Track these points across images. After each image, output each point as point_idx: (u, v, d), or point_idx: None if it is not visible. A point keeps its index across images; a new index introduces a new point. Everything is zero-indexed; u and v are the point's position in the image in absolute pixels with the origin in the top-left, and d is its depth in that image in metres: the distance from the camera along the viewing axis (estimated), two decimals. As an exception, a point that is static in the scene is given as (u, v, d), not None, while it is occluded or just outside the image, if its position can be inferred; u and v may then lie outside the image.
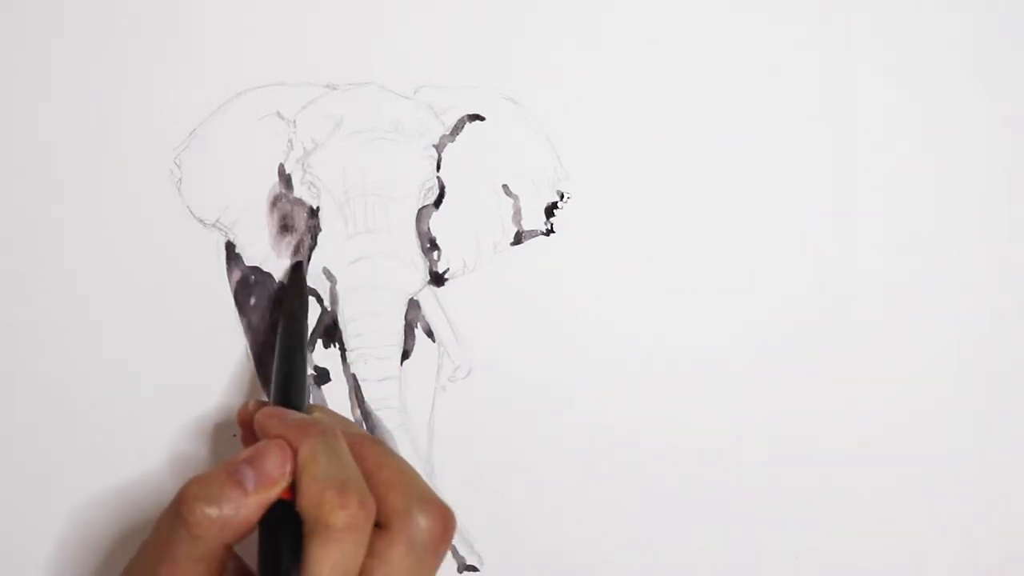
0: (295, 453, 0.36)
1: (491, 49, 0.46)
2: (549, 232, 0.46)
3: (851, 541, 0.46)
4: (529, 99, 0.46)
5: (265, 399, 0.42)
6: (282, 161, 0.45)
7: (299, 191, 0.45)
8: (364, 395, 0.44)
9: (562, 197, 0.46)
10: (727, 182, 0.46)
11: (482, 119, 0.46)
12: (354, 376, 0.45)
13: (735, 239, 0.46)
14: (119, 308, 0.44)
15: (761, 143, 0.46)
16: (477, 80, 0.46)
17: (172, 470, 0.44)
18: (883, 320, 0.46)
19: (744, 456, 0.46)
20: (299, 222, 0.45)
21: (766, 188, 0.46)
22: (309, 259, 0.45)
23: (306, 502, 0.34)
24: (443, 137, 0.46)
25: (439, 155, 0.45)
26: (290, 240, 0.45)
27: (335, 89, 0.45)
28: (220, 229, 0.45)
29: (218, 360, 0.44)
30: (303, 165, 0.45)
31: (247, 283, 0.45)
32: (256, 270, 0.45)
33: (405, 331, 0.45)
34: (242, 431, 0.40)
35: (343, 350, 0.45)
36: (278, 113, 0.45)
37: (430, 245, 0.45)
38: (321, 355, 0.45)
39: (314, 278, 0.45)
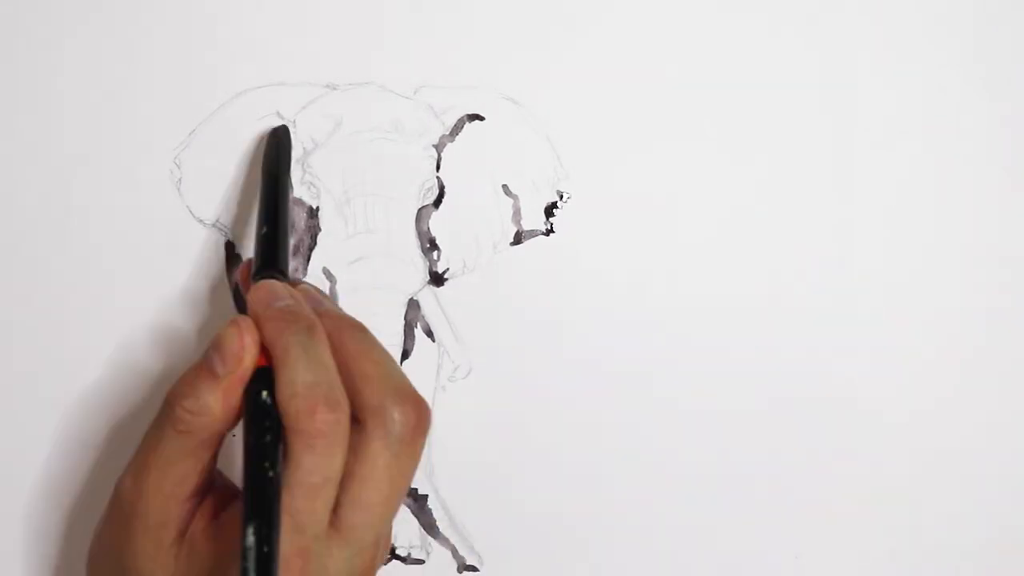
0: (271, 344, 0.36)
1: (491, 49, 0.46)
2: (549, 232, 0.46)
3: (851, 541, 0.46)
4: (529, 99, 0.46)
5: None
6: (282, 161, 0.45)
7: (299, 191, 0.45)
8: (364, 395, 0.44)
9: (562, 197, 0.46)
10: (727, 182, 0.46)
11: (482, 119, 0.46)
12: (354, 376, 0.44)
13: (735, 239, 0.46)
14: (119, 308, 0.44)
15: (761, 143, 0.46)
16: (477, 80, 0.46)
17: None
18: (884, 320, 0.46)
19: (744, 456, 0.46)
20: (299, 222, 0.45)
21: (766, 188, 0.46)
22: (309, 259, 0.45)
23: (280, 406, 0.35)
24: (443, 137, 0.46)
25: (439, 155, 0.45)
26: (290, 240, 0.44)
27: (335, 89, 0.45)
28: (220, 229, 0.45)
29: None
30: (303, 165, 0.45)
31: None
32: (256, 270, 0.45)
33: (405, 331, 0.45)
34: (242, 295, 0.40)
35: (343, 350, 0.45)
36: (278, 113, 0.45)
37: (430, 245, 0.45)
38: (321, 355, 0.45)
39: (314, 278, 0.45)
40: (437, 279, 0.45)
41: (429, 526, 0.45)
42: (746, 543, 0.46)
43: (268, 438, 0.34)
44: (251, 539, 0.32)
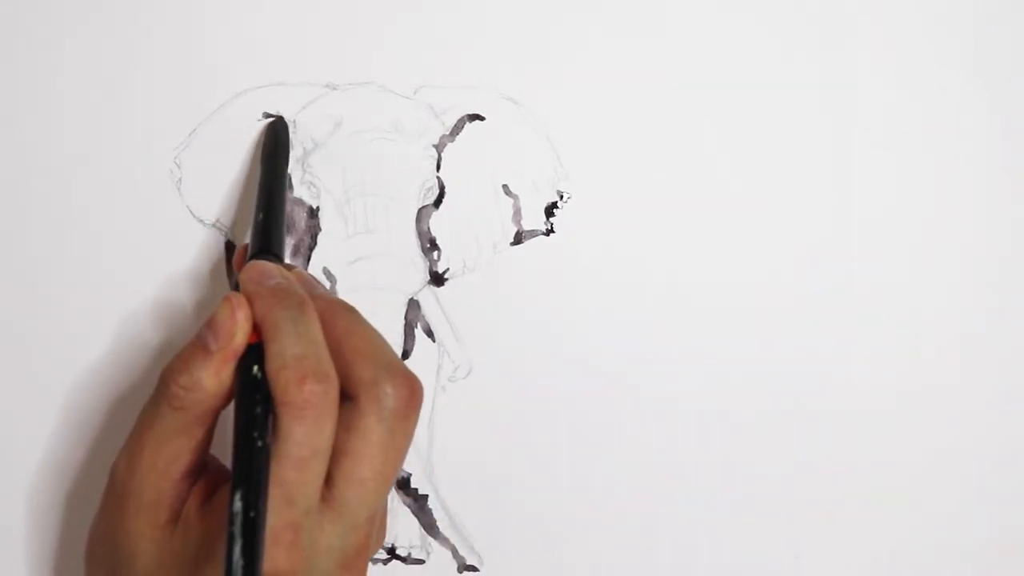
0: (261, 320, 0.36)
1: (491, 49, 0.46)
2: (549, 232, 0.46)
3: (851, 541, 0.46)
4: (529, 99, 0.46)
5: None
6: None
7: (299, 191, 0.45)
8: (364, 395, 0.44)
9: (562, 197, 0.46)
10: (727, 182, 0.46)
11: (482, 119, 0.46)
12: (354, 376, 0.44)
13: (735, 239, 0.46)
14: (119, 308, 0.44)
15: (761, 143, 0.46)
16: (477, 80, 0.46)
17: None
18: (884, 321, 0.46)
19: (744, 456, 0.46)
20: (299, 222, 0.45)
21: (766, 188, 0.46)
22: (309, 259, 0.45)
23: (270, 378, 0.35)
24: (443, 137, 0.46)
25: (439, 155, 0.45)
26: (290, 240, 0.44)
27: (335, 89, 0.45)
28: (220, 229, 0.45)
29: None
30: (303, 165, 0.45)
31: (247, 283, 0.45)
32: (256, 270, 0.45)
33: (405, 331, 0.45)
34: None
35: (343, 350, 0.45)
36: (278, 113, 0.45)
37: (430, 245, 0.45)
38: (321, 355, 0.45)
39: (314, 278, 0.45)
40: (437, 279, 0.45)
41: (429, 526, 0.45)
42: (746, 543, 0.46)
43: (257, 410, 0.35)
44: (238, 504, 0.33)
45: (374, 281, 0.44)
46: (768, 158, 0.46)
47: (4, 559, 0.44)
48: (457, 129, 0.46)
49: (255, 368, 0.36)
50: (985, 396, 0.47)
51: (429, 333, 0.45)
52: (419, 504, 0.45)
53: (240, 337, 0.36)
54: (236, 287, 0.44)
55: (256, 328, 0.36)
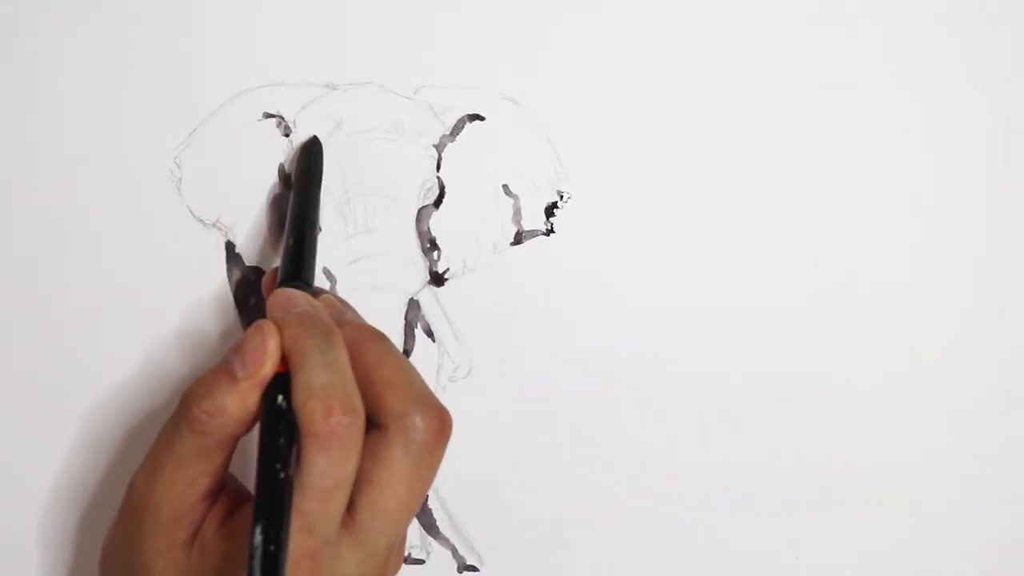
0: (288, 349, 0.36)
1: (491, 49, 0.46)
2: (549, 232, 0.46)
3: (851, 541, 0.46)
4: (529, 99, 0.46)
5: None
6: (282, 161, 0.45)
7: (299, 191, 0.45)
8: (364, 395, 0.44)
9: (562, 197, 0.46)
10: (727, 182, 0.46)
11: (482, 119, 0.46)
12: (354, 376, 0.44)
13: (735, 239, 0.46)
14: (119, 308, 0.44)
15: (761, 143, 0.46)
16: (477, 80, 0.46)
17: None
18: (884, 320, 0.46)
19: (744, 456, 0.46)
20: (299, 222, 0.45)
21: (766, 188, 0.46)
22: (309, 259, 0.45)
23: (296, 408, 0.35)
24: (443, 137, 0.46)
25: (439, 155, 0.45)
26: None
27: (335, 89, 0.45)
28: (220, 229, 0.45)
29: (218, 360, 0.44)
30: (303, 165, 0.45)
31: (247, 283, 0.45)
32: (256, 270, 0.45)
33: (405, 331, 0.45)
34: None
35: (343, 350, 0.45)
36: (279, 112, 0.45)
37: (430, 245, 0.45)
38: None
39: (314, 278, 0.44)
40: (437, 279, 0.45)
41: (429, 526, 0.45)
42: (746, 543, 0.46)
43: (281, 440, 0.34)
44: (258, 538, 0.32)
45: (374, 281, 0.44)
46: (768, 158, 0.46)
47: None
48: (457, 129, 0.46)
49: (280, 398, 0.35)
50: (985, 396, 0.47)
51: (429, 333, 0.45)
52: (419, 504, 0.45)
53: (268, 367, 0.36)
54: (236, 289, 0.44)
55: (282, 356, 0.36)
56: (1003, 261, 0.47)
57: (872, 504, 0.46)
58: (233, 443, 0.37)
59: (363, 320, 0.40)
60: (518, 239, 0.46)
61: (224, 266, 0.45)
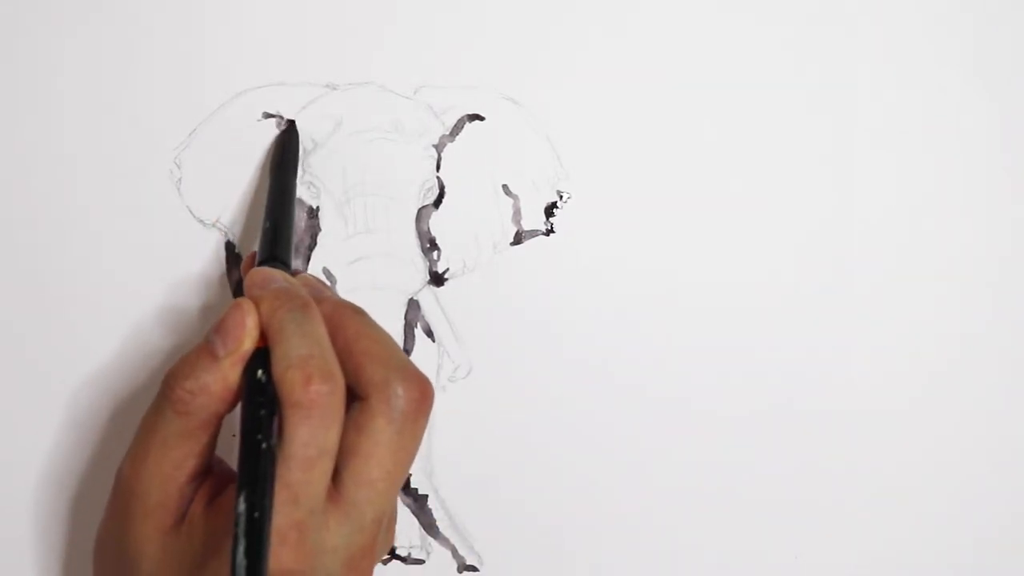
0: (266, 323, 0.36)
1: (491, 49, 0.46)
2: (549, 232, 0.46)
3: (851, 541, 0.46)
4: (529, 99, 0.46)
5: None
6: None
7: (299, 191, 0.45)
8: (364, 395, 0.44)
9: (562, 197, 0.46)
10: (727, 181, 0.46)
11: (482, 119, 0.46)
12: (354, 376, 0.44)
13: (735, 239, 0.46)
14: (119, 308, 0.44)
15: (761, 143, 0.46)
16: (477, 80, 0.46)
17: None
18: (883, 320, 0.46)
19: (744, 456, 0.46)
20: (299, 222, 0.45)
21: (766, 187, 0.46)
22: (308, 259, 0.45)
23: (276, 380, 0.35)
24: (443, 137, 0.46)
25: (439, 155, 0.45)
26: (293, 234, 0.44)
27: (335, 89, 0.45)
28: (220, 229, 0.45)
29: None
30: (303, 165, 0.45)
31: (247, 283, 0.45)
32: (256, 270, 0.45)
33: (405, 331, 0.45)
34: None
35: (343, 350, 0.45)
36: (278, 113, 0.45)
37: (430, 245, 0.45)
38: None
39: (314, 278, 0.45)
40: (437, 279, 0.45)
41: (429, 526, 0.45)
42: (746, 543, 0.46)
43: (262, 412, 0.35)
44: (242, 506, 0.33)
45: (374, 281, 0.44)
46: (768, 158, 0.46)
47: (12, 563, 0.44)
48: (457, 129, 0.46)
49: (260, 372, 0.36)
50: (985, 396, 0.47)
51: (429, 333, 0.45)
52: (419, 504, 0.45)
53: (248, 344, 0.36)
54: (237, 288, 0.44)
55: (261, 332, 0.36)
56: (1003, 261, 0.47)
57: (872, 504, 0.46)
58: (217, 422, 0.37)
59: (340, 297, 0.40)
60: (518, 239, 0.46)
61: (224, 266, 0.45)
